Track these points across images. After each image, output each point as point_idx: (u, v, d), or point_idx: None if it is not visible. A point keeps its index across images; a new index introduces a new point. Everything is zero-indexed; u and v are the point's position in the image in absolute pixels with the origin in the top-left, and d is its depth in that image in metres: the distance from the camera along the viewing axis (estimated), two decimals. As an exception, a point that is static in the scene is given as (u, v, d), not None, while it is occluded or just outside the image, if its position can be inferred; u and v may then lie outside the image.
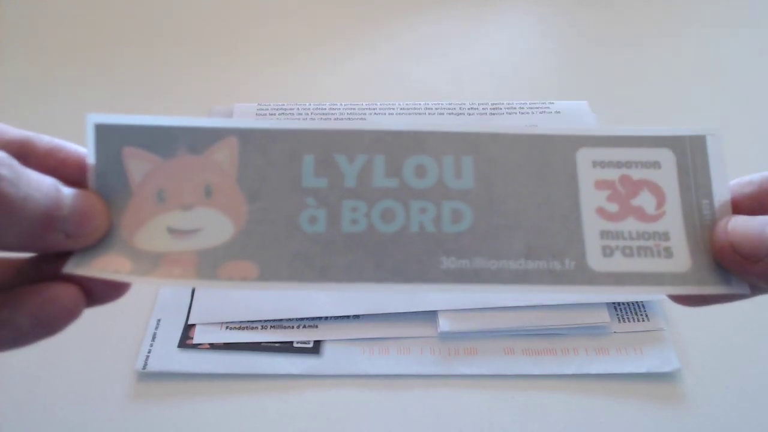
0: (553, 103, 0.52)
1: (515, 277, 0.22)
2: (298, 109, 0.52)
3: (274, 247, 0.22)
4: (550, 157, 0.23)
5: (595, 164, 0.23)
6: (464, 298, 0.38)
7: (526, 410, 0.34)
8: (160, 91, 0.55)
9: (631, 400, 0.35)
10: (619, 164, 0.23)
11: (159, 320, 0.38)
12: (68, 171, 0.23)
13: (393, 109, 0.52)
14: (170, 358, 0.36)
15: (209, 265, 0.22)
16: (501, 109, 0.52)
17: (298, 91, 0.55)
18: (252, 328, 0.37)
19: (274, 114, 0.51)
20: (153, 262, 0.22)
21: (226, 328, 0.37)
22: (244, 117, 0.51)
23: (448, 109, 0.52)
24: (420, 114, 0.52)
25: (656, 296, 0.37)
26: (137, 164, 0.23)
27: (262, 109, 0.52)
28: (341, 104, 0.52)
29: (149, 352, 0.36)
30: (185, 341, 0.37)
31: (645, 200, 0.23)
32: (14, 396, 0.35)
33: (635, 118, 0.52)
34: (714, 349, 0.37)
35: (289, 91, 0.55)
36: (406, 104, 0.52)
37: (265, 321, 0.38)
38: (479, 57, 0.60)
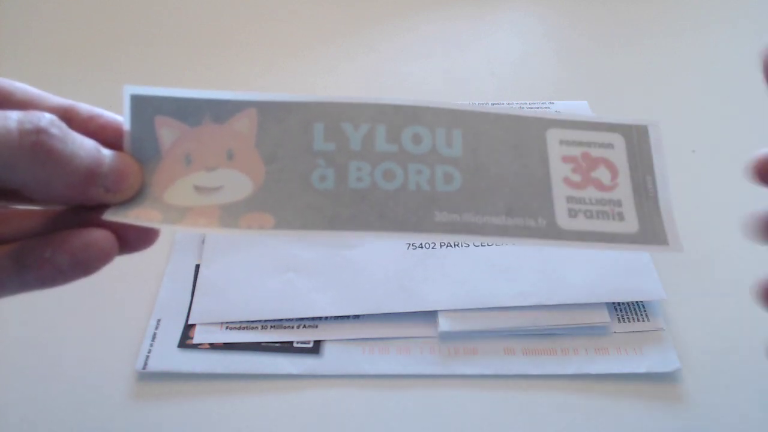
0: (553, 103, 0.52)
1: (497, 231, 0.25)
2: (298, 109, 0.52)
3: (288, 201, 0.25)
4: (525, 134, 0.27)
5: (562, 142, 0.27)
6: (464, 297, 0.38)
7: (526, 410, 0.34)
8: (160, 91, 0.55)
9: (631, 400, 0.35)
10: (581, 144, 0.27)
11: (159, 320, 0.38)
12: (107, 135, 0.25)
13: (393, 109, 0.52)
14: (170, 358, 0.36)
15: (231, 216, 0.24)
16: (501, 109, 0.52)
17: (298, 91, 0.55)
18: (252, 328, 0.37)
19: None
20: (181, 214, 0.24)
21: (226, 328, 0.37)
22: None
23: (448, 109, 0.52)
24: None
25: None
26: (167, 131, 0.25)
27: (262, 109, 0.52)
28: (341, 104, 0.52)
29: (149, 352, 0.36)
30: (185, 341, 0.37)
31: (602, 174, 0.27)
32: (14, 396, 0.35)
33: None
34: (714, 349, 0.37)
35: (289, 91, 0.54)
36: (406, 104, 0.52)
37: (265, 321, 0.38)
38: (479, 57, 0.60)
